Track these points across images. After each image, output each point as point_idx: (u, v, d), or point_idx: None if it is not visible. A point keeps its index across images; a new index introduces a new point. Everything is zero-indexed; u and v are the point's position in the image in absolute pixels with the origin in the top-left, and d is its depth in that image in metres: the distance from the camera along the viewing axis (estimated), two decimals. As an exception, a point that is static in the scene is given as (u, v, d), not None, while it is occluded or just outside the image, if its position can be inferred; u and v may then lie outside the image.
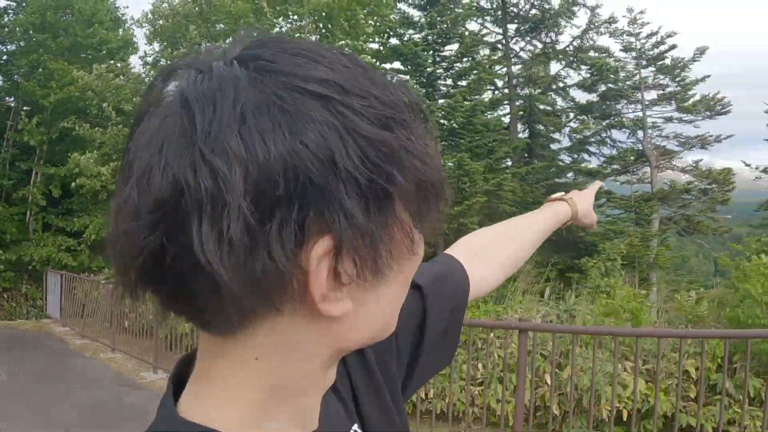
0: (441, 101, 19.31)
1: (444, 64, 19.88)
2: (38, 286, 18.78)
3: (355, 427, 0.85)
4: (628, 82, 19.99)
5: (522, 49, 23.09)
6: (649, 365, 7.95)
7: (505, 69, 22.48)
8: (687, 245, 24.89)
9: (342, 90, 0.56)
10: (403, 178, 0.57)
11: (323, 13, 18.12)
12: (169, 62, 0.67)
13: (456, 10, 19.73)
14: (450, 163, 16.60)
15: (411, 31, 20.29)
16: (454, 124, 18.32)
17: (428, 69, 19.35)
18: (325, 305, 0.58)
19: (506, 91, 22.71)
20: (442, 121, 18.49)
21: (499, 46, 22.96)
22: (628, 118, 19.73)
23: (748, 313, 8.68)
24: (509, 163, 20.51)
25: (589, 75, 20.29)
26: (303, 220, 0.54)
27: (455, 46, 19.88)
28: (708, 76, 19.76)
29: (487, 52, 22.54)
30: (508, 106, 22.36)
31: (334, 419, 0.79)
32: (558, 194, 1.47)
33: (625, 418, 7.57)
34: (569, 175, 21.06)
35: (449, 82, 20.13)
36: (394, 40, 20.37)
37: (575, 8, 21.14)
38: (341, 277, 0.57)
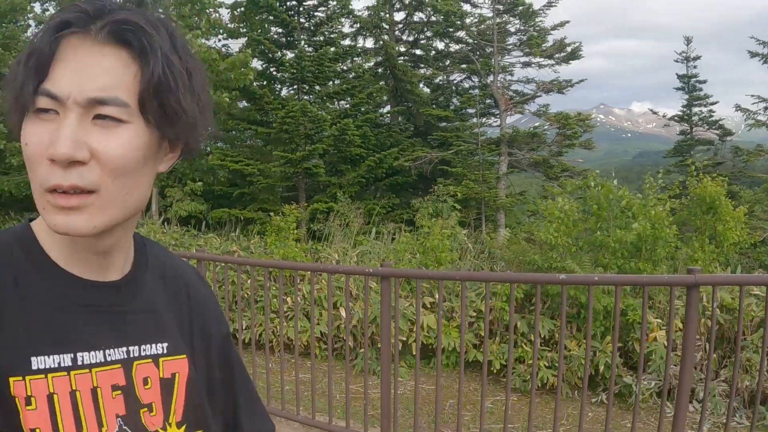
0: (290, 55, 19.31)
1: (303, 14, 19.99)
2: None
3: (165, 345, 1.02)
4: (482, 26, 20.11)
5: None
6: (447, 303, 8.25)
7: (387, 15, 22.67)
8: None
9: None
10: None
11: None
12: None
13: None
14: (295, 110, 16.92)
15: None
16: (306, 73, 18.30)
17: (285, 19, 19.22)
18: None
19: (386, 37, 22.77)
20: (293, 70, 18.47)
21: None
22: (480, 63, 19.80)
23: (545, 257, 8.98)
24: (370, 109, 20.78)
25: (439, 21, 20.41)
26: None
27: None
28: (567, 22, 20.22)
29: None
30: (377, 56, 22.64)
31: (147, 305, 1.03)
32: None
33: (414, 351, 7.90)
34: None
35: (308, 32, 20.23)
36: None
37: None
38: None
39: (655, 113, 29.00)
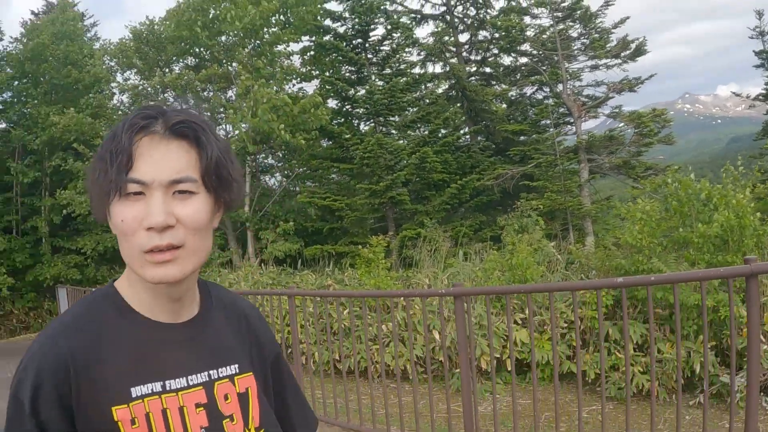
0: (361, 91, 19.85)
1: (370, 49, 20.49)
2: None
3: (236, 366, 1.31)
4: (544, 36, 19.94)
5: (465, 15, 23.24)
6: (538, 317, 8.32)
7: (452, 38, 22.98)
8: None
9: None
10: None
11: (248, 30, 18.77)
12: None
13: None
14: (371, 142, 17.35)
15: (336, 24, 20.82)
16: (379, 107, 18.87)
17: (353, 58, 19.79)
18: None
19: (454, 60, 22.99)
20: (366, 105, 18.95)
21: (447, 17, 23.12)
22: (548, 73, 19.56)
23: (632, 260, 8.87)
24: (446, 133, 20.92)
25: (502, 37, 20.37)
26: None
27: (381, 31, 20.54)
28: (627, 18, 19.79)
29: (437, 25, 23.01)
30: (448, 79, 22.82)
31: (218, 335, 1.33)
32: None
33: (509, 368, 8.01)
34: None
35: (377, 66, 20.67)
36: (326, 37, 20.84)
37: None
38: None
39: (738, 95, 27.87)
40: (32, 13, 29.80)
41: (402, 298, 8.59)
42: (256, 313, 1.49)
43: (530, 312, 4.93)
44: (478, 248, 13.61)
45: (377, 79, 19.98)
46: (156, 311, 1.24)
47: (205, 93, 20.79)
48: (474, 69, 23.47)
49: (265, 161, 24.44)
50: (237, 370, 1.31)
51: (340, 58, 19.92)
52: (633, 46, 18.95)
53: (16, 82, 23.28)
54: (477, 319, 8.23)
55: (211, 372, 1.27)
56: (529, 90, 21.96)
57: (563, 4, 19.26)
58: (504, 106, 22.38)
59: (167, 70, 21.15)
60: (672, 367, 7.11)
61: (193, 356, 1.26)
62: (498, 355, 8.10)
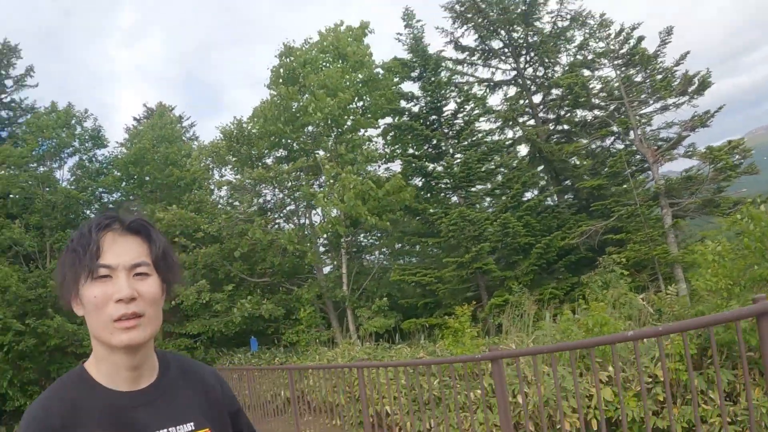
0: (439, 167, 20.44)
1: (445, 124, 21.07)
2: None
3: (192, 423, 1.56)
4: (608, 86, 19.77)
5: (536, 77, 23.53)
6: (622, 374, 8.17)
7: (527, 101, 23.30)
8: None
9: None
10: None
11: (328, 120, 19.98)
12: None
13: (441, 73, 20.89)
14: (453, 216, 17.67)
15: (410, 104, 21.65)
16: (458, 180, 19.40)
17: (429, 135, 20.41)
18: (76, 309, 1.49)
19: (532, 122, 23.20)
20: (446, 180, 19.45)
21: (519, 80, 23.45)
22: (618, 121, 19.28)
23: (711, 305, 8.62)
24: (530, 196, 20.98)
25: (569, 93, 20.31)
26: None
27: (453, 105, 21.15)
28: (688, 53, 19.36)
29: (505, 91, 23.47)
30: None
31: (174, 395, 1.59)
32: None
33: (595, 428, 7.88)
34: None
35: (453, 139, 21.14)
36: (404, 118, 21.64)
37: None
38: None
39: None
40: (134, 119, 33.02)
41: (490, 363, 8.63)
42: (215, 377, 1.78)
43: (573, 369, 5.04)
44: (566, 308, 13.48)
45: (455, 152, 20.43)
46: (118, 382, 1.51)
47: (297, 183, 21.85)
48: (552, 127, 23.45)
49: (360, 241, 25.10)
50: (193, 427, 1.56)
51: (418, 135, 20.48)
52: (696, 80, 18.45)
53: (123, 183, 25.63)
54: (560, 380, 8.18)
55: (170, 429, 1.52)
56: (607, 141, 21.69)
57: (621, 51, 19.20)
58: (587, 161, 22.12)
59: (260, 163, 22.37)
60: (760, 414, 6.82)
61: (152, 416, 1.51)
62: (584, 416, 7.98)
